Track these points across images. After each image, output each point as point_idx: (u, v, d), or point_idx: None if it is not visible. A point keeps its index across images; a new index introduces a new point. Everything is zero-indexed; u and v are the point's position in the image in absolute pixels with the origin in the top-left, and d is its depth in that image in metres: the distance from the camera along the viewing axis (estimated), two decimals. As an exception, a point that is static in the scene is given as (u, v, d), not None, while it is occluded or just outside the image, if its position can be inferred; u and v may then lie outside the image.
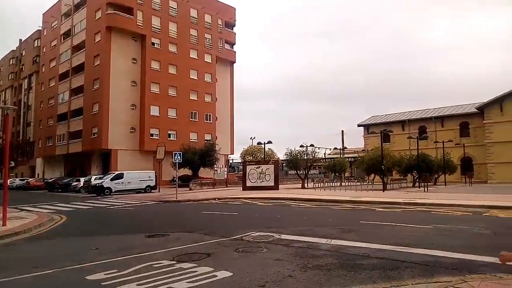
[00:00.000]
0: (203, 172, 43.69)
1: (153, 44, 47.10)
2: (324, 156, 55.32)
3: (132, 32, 45.86)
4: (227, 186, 40.29)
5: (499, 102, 43.32)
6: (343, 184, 38.55)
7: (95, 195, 30.49)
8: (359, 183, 34.02)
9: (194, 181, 38.55)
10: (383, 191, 28.11)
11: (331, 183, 36.91)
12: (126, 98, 44.99)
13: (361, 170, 39.70)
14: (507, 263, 2.73)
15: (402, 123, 53.08)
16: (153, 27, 47.19)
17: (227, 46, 56.88)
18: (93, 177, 35.44)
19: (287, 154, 37.64)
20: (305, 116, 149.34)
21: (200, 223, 13.24)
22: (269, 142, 41.46)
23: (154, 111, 46.28)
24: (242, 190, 32.01)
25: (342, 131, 65.26)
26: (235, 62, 58.78)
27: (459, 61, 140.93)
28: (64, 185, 38.86)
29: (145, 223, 13.94)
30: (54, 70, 54.94)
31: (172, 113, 47.98)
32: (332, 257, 7.25)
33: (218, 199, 24.23)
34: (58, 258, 7.80)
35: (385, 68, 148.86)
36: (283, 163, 46.40)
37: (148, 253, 7.95)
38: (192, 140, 46.94)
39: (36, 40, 62.90)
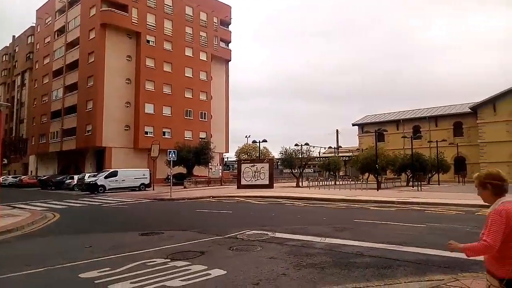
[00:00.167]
0: (198, 170, 43.63)
1: (148, 41, 46.89)
2: (319, 155, 55.41)
3: (127, 29, 45.61)
4: (221, 185, 40.25)
5: (492, 102, 43.65)
6: (337, 183, 38.64)
7: (88, 193, 30.31)
8: (354, 182, 34.21)
9: (189, 179, 38.49)
10: (377, 190, 28.22)
11: (325, 182, 37.03)
12: (120, 95, 44.76)
13: (356, 169, 39.84)
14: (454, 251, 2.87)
15: (397, 123, 53.32)
16: (148, 25, 46.95)
17: (222, 44, 56.79)
18: (87, 174, 35.23)
19: (282, 153, 37.65)
20: (300, 115, 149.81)
21: (194, 221, 13.22)
22: (264, 140, 41.47)
23: (149, 109, 46.09)
24: (237, 188, 31.99)
25: (337, 130, 65.43)
26: (230, 60, 58.74)
27: (456, 60, 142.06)
28: (57, 182, 38.58)
29: (139, 221, 13.89)
30: (48, 67, 54.50)
31: (166, 111, 47.82)
32: (326, 255, 7.28)
33: (213, 197, 24.20)
34: (51, 256, 7.76)
35: (382, 67, 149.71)
36: (278, 161, 46.45)
37: (141, 251, 7.93)
38: (187, 138, 46.82)
39: (30, 37, 62.36)
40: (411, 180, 36.98)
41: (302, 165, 38.56)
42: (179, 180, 37.72)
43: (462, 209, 15.15)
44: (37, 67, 58.43)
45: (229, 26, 58.58)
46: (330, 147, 60.55)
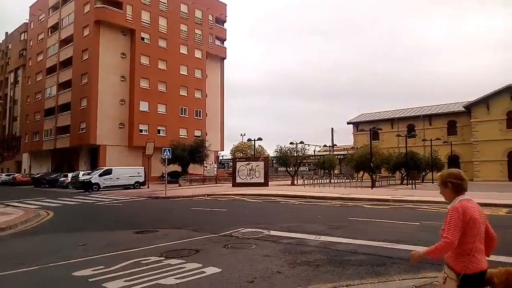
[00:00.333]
0: (193, 169, 43.55)
1: (142, 39, 46.63)
2: (314, 153, 55.51)
3: (121, 26, 45.30)
4: (216, 183, 40.22)
5: (486, 101, 43.96)
6: (332, 181, 38.79)
7: (83, 191, 30.14)
8: (348, 180, 34.33)
9: (184, 177, 38.41)
10: (372, 188, 28.39)
11: (320, 180, 37.13)
12: (115, 93, 44.49)
13: (350, 167, 39.95)
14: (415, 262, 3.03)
15: (391, 121, 53.53)
16: (143, 22, 46.69)
17: (217, 42, 56.64)
18: (81, 172, 35.05)
19: (277, 151, 37.73)
20: (295, 113, 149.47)
21: (189, 220, 13.21)
22: (259, 139, 41.53)
23: (144, 106, 45.87)
24: (232, 186, 31.99)
25: (332, 128, 65.68)
26: (225, 58, 58.61)
27: (455, 60, 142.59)
28: (51, 180, 38.34)
29: (134, 219, 13.85)
30: (41, 64, 54.02)
31: (161, 108, 47.65)
32: (320, 253, 7.30)
33: (208, 195, 24.19)
34: (45, 254, 7.72)
35: (380, 66, 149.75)
36: (273, 160, 46.49)
37: (136, 249, 7.91)
38: (182, 136, 46.65)
39: (23, 34, 61.74)
40: (405, 178, 37.20)
41: (297, 164, 38.65)
42: (174, 178, 37.64)
43: (455, 207, 15.25)
44: (30, 64, 57.89)
45: (224, 24, 58.47)
46: (325, 146, 60.76)
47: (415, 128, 50.50)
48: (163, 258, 7.06)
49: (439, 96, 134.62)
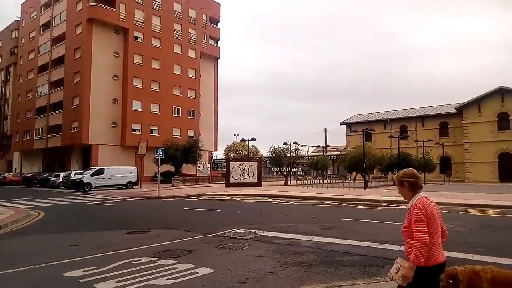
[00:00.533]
0: (186, 169, 43.41)
1: (135, 38, 46.36)
2: (307, 153, 55.65)
3: (114, 25, 44.98)
4: (210, 183, 40.15)
5: (477, 103, 44.42)
6: (325, 181, 38.92)
7: (74, 190, 29.89)
8: (341, 181, 34.47)
9: (177, 177, 38.28)
10: (364, 189, 28.51)
11: (313, 181, 37.25)
12: (107, 92, 44.18)
13: (343, 168, 40.13)
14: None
15: (384, 122, 53.87)
16: (136, 21, 46.42)
17: (211, 42, 56.53)
18: (73, 172, 34.77)
19: (271, 151, 37.76)
20: (289, 114, 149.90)
21: (182, 220, 13.16)
22: (253, 139, 41.52)
23: (136, 106, 45.62)
24: (225, 186, 31.95)
25: (325, 129, 65.93)
26: (219, 58, 58.52)
27: (451, 61, 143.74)
28: (42, 180, 37.94)
29: (126, 219, 13.76)
30: (33, 62, 53.46)
31: (155, 108, 47.42)
32: (313, 253, 7.32)
33: (201, 195, 24.13)
34: (35, 255, 7.64)
35: (373, 67, 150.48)
36: (267, 160, 46.52)
37: (128, 250, 7.86)
38: (175, 136, 46.47)
39: (14, 31, 60.98)
40: (397, 179, 37.38)
41: (291, 164, 38.72)
42: (167, 178, 37.49)
43: (447, 208, 15.41)
44: (21, 62, 57.24)
45: (218, 24, 58.40)
46: (318, 146, 60.96)
47: (408, 129, 50.88)
48: (156, 258, 7.03)
49: (432, 97, 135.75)
